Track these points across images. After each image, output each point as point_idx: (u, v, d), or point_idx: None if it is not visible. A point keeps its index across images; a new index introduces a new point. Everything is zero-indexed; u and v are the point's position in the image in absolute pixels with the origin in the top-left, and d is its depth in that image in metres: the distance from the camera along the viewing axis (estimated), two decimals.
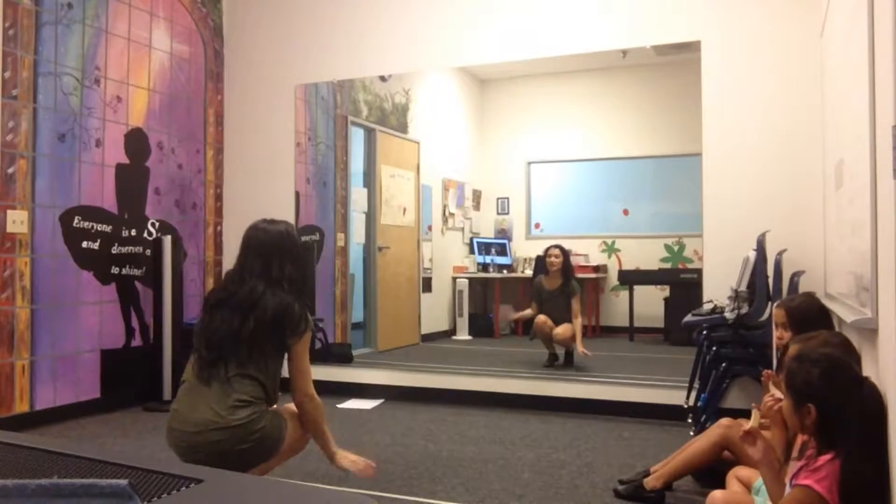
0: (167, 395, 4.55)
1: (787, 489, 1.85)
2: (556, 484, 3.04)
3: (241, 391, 2.36)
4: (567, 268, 5.54)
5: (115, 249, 4.54)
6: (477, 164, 8.10)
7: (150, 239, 4.75)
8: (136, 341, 4.68)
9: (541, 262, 5.72)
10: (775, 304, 3.05)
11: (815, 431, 1.79)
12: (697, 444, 2.78)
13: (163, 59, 4.93)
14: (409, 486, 3.00)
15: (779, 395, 2.12)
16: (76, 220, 4.29)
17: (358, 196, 6.11)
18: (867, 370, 2.09)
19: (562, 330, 5.29)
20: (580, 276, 7.09)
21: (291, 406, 2.58)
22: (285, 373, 2.53)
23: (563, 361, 5.30)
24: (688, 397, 4.04)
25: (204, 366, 2.40)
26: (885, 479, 1.72)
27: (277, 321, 2.43)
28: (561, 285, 5.50)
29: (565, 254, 5.55)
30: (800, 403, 1.81)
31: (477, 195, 8.08)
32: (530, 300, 5.70)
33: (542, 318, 5.39)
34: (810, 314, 2.64)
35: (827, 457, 1.73)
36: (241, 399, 2.34)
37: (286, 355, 2.50)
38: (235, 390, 2.35)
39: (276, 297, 2.45)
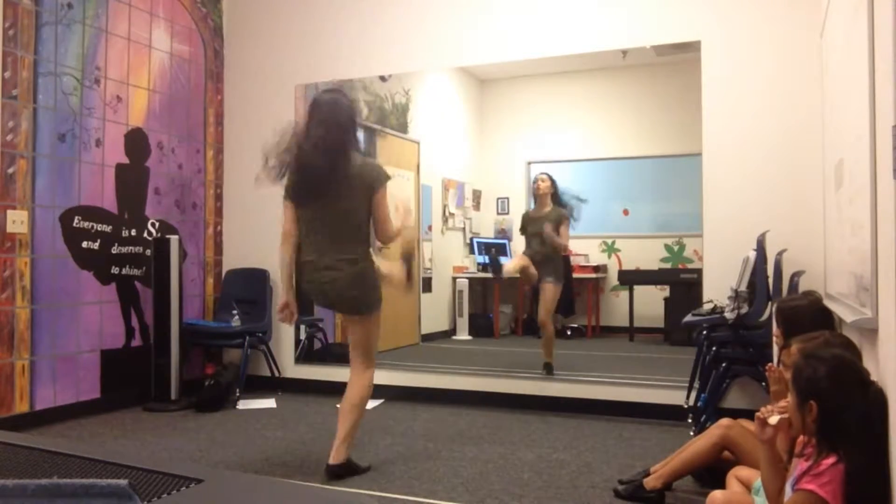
0: (174, 394, 4.56)
1: (789, 491, 1.84)
2: (556, 484, 3.04)
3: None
4: (556, 194, 5.36)
5: (115, 249, 4.54)
6: (477, 164, 8.10)
7: (150, 239, 4.75)
8: (136, 341, 4.68)
9: (526, 218, 5.52)
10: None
11: (815, 430, 1.79)
12: (697, 444, 2.78)
13: (163, 59, 4.93)
14: (409, 486, 3.00)
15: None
16: (76, 220, 4.29)
17: None
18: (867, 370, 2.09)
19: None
20: (580, 275, 7.11)
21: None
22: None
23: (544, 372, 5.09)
24: (688, 397, 4.04)
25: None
26: (890, 484, 1.72)
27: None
28: (549, 210, 5.31)
29: (553, 181, 5.38)
30: (803, 400, 1.81)
31: (477, 195, 8.08)
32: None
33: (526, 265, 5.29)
34: (801, 317, 2.56)
35: (830, 461, 1.72)
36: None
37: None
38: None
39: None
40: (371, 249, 3.19)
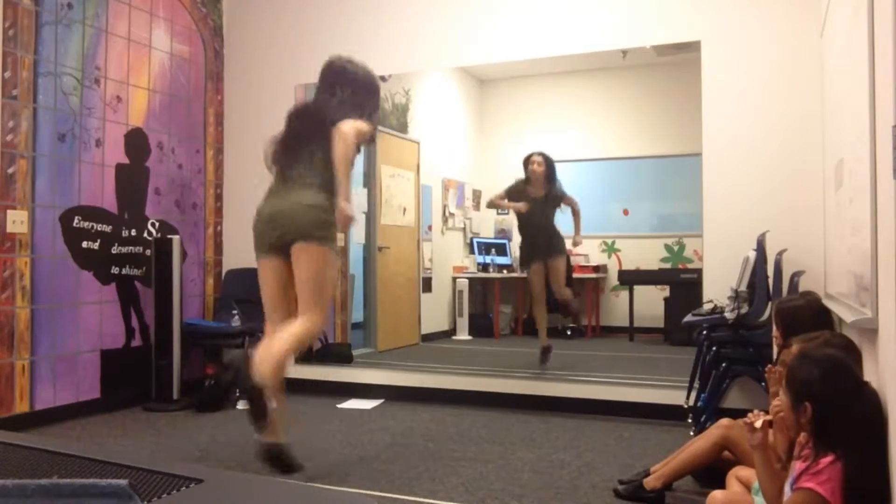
0: (174, 394, 4.56)
1: (788, 492, 1.85)
2: (556, 484, 3.04)
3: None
4: (551, 174, 5.36)
5: (115, 249, 4.54)
6: (477, 164, 8.10)
7: (150, 239, 4.75)
8: (136, 341, 4.68)
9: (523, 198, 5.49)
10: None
11: (810, 431, 1.80)
12: (697, 444, 2.78)
13: (163, 59, 4.93)
14: (409, 486, 3.00)
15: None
16: (76, 220, 4.29)
17: (358, 196, 6.11)
18: (867, 370, 2.09)
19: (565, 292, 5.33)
20: (580, 276, 7.11)
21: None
22: None
23: (540, 360, 5.12)
24: (688, 397, 4.04)
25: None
26: (888, 483, 1.72)
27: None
28: (546, 193, 5.31)
29: (548, 161, 5.36)
30: (797, 401, 1.82)
31: (477, 195, 8.08)
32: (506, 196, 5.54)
33: (537, 290, 5.30)
34: (800, 317, 2.57)
35: (828, 459, 1.72)
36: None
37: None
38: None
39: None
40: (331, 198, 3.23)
